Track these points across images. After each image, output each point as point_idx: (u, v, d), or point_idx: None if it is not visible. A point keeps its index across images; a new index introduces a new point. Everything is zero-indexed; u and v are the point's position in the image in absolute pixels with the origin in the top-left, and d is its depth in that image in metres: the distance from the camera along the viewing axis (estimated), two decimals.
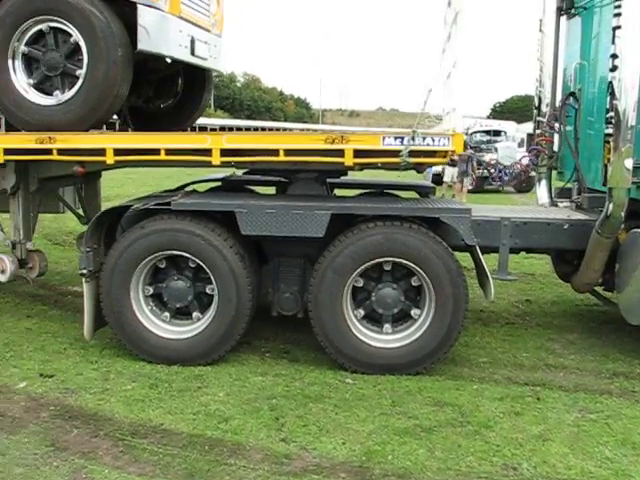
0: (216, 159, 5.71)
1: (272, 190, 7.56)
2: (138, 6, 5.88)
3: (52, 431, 4.75)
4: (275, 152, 5.64)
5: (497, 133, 28.68)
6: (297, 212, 5.62)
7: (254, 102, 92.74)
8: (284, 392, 5.44)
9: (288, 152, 5.63)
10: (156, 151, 5.81)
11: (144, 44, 5.94)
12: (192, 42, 6.61)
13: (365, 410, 5.14)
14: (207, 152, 5.72)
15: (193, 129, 9.08)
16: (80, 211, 8.06)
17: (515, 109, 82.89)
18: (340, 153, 5.57)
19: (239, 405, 5.19)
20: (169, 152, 5.80)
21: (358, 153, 5.56)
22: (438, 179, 20.66)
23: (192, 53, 6.65)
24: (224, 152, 5.71)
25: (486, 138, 27.83)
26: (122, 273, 5.83)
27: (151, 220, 5.81)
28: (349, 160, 5.56)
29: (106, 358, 6.06)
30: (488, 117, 34.63)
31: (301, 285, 6.11)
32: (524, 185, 21.94)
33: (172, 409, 5.11)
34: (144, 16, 5.91)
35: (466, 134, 24.99)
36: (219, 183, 7.51)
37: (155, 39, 6.03)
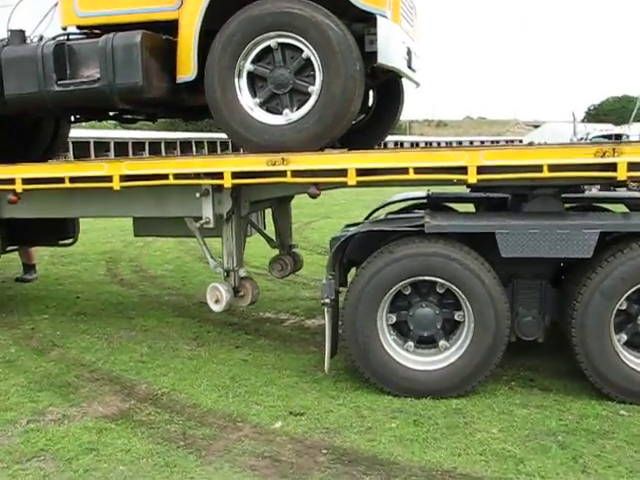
0: (472, 177, 5.28)
1: (470, 208, 7.14)
2: (378, 17, 5.52)
3: (341, 478, 4.40)
4: (538, 168, 5.21)
5: (618, 137, 27.56)
6: (563, 232, 5.19)
7: None
8: (561, 427, 5.00)
9: (553, 167, 5.20)
10: (404, 170, 5.43)
11: (383, 57, 5.57)
12: (409, 53, 6.23)
13: None
14: (462, 170, 5.32)
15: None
16: (266, 232, 7.74)
17: (611, 111, 79.96)
18: (612, 167, 5.12)
19: (522, 443, 4.77)
20: (418, 171, 5.41)
21: (632, 166, 5.11)
22: None
23: (409, 65, 6.27)
24: (481, 169, 5.31)
25: None
26: (369, 302, 5.46)
27: (400, 244, 5.43)
28: (622, 174, 5.10)
29: (345, 392, 5.69)
30: (583, 121, 33.85)
31: (541, 308, 5.69)
32: None
33: (453, 449, 4.70)
34: (382, 28, 5.52)
35: (584, 139, 24.28)
36: (401, 203, 7.20)
37: (389, 52, 5.64)
